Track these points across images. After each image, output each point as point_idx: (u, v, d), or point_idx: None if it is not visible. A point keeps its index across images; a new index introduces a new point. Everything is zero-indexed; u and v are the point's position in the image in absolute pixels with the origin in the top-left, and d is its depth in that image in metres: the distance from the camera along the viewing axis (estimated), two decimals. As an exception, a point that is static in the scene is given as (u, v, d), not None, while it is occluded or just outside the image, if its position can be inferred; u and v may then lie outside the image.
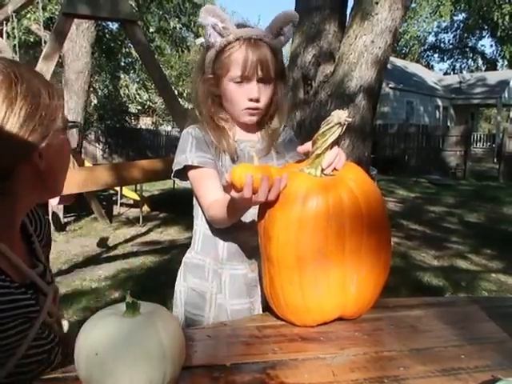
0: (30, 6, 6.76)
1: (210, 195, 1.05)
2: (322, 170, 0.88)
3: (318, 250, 0.81)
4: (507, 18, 21.88)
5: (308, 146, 0.91)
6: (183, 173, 1.11)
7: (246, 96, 1.06)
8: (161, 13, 12.37)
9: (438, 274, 4.00)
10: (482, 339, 0.86)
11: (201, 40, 1.19)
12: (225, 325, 0.93)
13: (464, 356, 0.78)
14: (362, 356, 0.77)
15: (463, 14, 25.42)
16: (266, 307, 1.01)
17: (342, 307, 0.88)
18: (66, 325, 0.86)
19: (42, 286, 0.80)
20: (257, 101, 1.07)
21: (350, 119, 0.84)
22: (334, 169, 0.90)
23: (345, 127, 0.85)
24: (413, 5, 21.36)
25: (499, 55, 26.39)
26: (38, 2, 4.64)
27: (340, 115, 0.83)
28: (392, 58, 18.99)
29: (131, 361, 0.55)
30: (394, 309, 1.01)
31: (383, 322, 0.93)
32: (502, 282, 3.87)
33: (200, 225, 1.15)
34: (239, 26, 1.07)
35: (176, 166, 1.10)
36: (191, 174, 1.10)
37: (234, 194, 0.84)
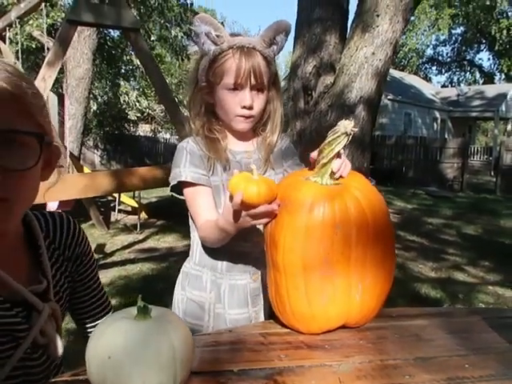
0: (33, 13, 6.81)
1: (203, 215, 1.07)
2: (332, 173, 0.89)
3: (324, 257, 0.82)
4: (505, 32, 22.21)
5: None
6: (179, 187, 1.12)
7: (239, 104, 1.07)
8: (162, 21, 12.47)
9: (436, 286, 4.01)
10: (486, 349, 0.86)
11: (195, 48, 1.20)
12: (230, 331, 0.93)
13: (468, 365, 0.78)
14: (368, 364, 0.78)
15: (461, 28, 25.80)
16: (270, 316, 1.01)
17: (346, 315, 0.88)
18: (60, 347, 0.79)
19: (35, 304, 0.74)
20: (250, 108, 1.08)
21: (356, 129, 0.86)
22: (340, 176, 0.91)
23: (350, 137, 0.86)
24: (412, 18, 21.62)
25: (497, 69, 26.71)
26: (41, 9, 4.67)
27: (346, 125, 0.85)
28: (391, 70, 19.14)
29: (144, 364, 0.55)
30: (398, 318, 1.01)
31: (387, 330, 0.93)
32: (500, 294, 3.88)
33: (197, 236, 1.15)
34: (232, 35, 1.09)
35: (171, 182, 1.12)
36: (185, 190, 1.11)
37: (231, 203, 0.87)
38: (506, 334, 0.93)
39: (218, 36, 1.05)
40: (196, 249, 1.17)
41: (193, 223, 1.15)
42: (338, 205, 0.83)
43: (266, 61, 1.07)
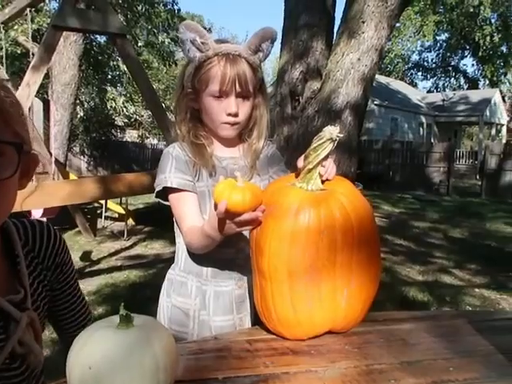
0: (18, 18, 6.75)
1: (188, 221, 1.06)
2: (320, 176, 0.90)
3: (309, 263, 0.82)
4: (488, 38, 22.61)
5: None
6: (164, 193, 1.12)
7: (224, 111, 1.07)
8: (149, 27, 12.46)
9: (423, 289, 4.04)
10: (470, 352, 0.87)
11: (182, 54, 1.21)
12: (215, 338, 0.92)
13: (453, 368, 0.79)
14: (353, 369, 0.77)
15: (446, 34, 26.18)
16: (256, 323, 1.01)
17: (332, 320, 0.88)
18: (40, 356, 0.77)
19: (13, 313, 0.72)
20: (235, 116, 1.08)
21: (342, 135, 0.86)
22: (326, 179, 0.92)
23: (336, 142, 0.86)
24: (397, 24, 21.91)
25: (481, 74, 27.15)
26: (26, 14, 4.63)
27: (332, 131, 0.85)
28: (377, 76, 19.35)
29: (126, 374, 0.54)
30: (384, 322, 1.02)
31: (373, 335, 0.93)
32: (486, 297, 3.92)
33: (182, 243, 1.14)
34: (218, 41, 1.09)
35: (156, 187, 1.11)
36: (170, 196, 1.10)
37: (216, 211, 0.86)
38: (490, 336, 0.94)
39: (203, 43, 1.04)
40: (181, 255, 1.16)
41: (178, 229, 1.14)
42: (324, 210, 0.83)
43: (251, 68, 1.08)
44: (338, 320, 0.89)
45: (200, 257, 1.11)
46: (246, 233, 0.98)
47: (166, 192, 1.11)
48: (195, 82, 1.09)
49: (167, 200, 1.12)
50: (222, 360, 0.81)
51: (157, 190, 1.11)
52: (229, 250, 1.10)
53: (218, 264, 1.12)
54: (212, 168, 1.11)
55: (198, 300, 1.12)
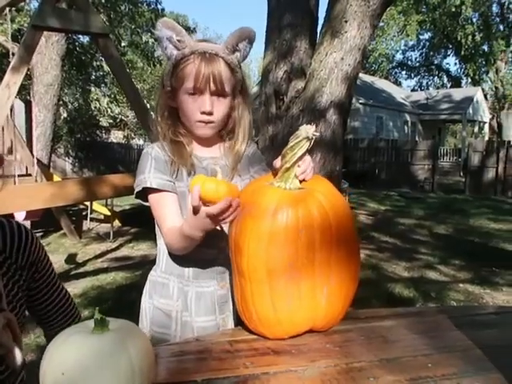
0: (-2, 18, 6.64)
1: (168, 221, 1.06)
2: (296, 177, 0.90)
3: (288, 262, 0.82)
4: (470, 37, 22.92)
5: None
6: (144, 194, 1.11)
7: (198, 109, 1.07)
8: (133, 27, 12.34)
9: (409, 285, 4.08)
10: (449, 348, 0.88)
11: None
12: (197, 340, 0.92)
13: (431, 365, 0.80)
14: (333, 368, 0.78)
15: (429, 34, 26.45)
16: (239, 323, 1.01)
17: (312, 319, 0.88)
18: (19, 357, 0.76)
19: None
20: (209, 114, 1.07)
21: (318, 133, 0.87)
22: (304, 180, 0.92)
23: (313, 141, 0.87)
24: (381, 24, 22.10)
25: (463, 73, 27.50)
26: (5, 14, 4.55)
27: (308, 130, 0.85)
28: (362, 75, 19.51)
29: (99, 379, 0.53)
30: (366, 320, 1.02)
31: (354, 333, 0.94)
32: (470, 291, 3.98)
33: (163, 244, 1.14)
34: (201, 41, 1.08)
35: (136, 188, 1.10)
36: (150, 197, 1.10)
37: (192, 203, 0.87)
38: (470, 331, 0.95)
39: (179, 41, 1.04)
40: (162, 256, 1.15)
41: (159, 230, 1.13)
42: (302, 209, 0.84)
43: (229, 68, 1.07)
44: (319, 318, 0.89)
45: (181, 258, 1.10)
46: (227, 232, 0.97)
47: (145, 192, 1.10)
48: (172, 80, 1.08)
49: (147, 200, 1.11)
50: (203, 362, 0.80)
51: (136, 190, 1.10)
52: (210, 250, 1.10)
53: (200, 264, 1.11)
54: (191, 167, 1.11)
55: (180, 301, 1.11)
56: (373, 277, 4.34)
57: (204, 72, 1.03)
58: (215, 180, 0.86)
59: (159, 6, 12.54)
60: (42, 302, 0.92)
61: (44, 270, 0.91)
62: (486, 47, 24.17)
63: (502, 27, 23.39)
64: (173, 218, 1.05)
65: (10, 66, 3.36)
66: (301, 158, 0.88)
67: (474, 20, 23.36)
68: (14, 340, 0.76)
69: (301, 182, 0.92)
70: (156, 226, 1.14)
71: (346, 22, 3.01)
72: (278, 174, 0.91)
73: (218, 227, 1.06)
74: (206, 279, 1.12)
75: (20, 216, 4.71)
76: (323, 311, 0.88)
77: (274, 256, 0.82)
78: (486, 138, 21.12)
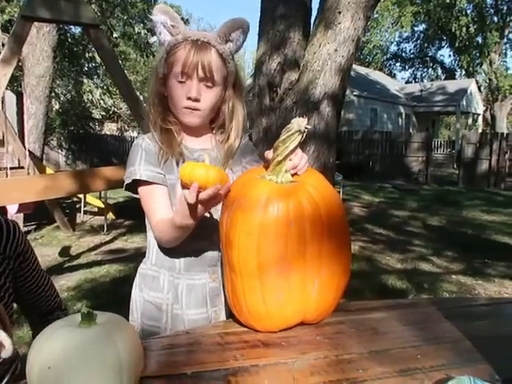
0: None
1: (157, 214, 1.05)
2: (286, 172, 0.90)
3: (278, 255, 0.82)
4: (464, 29, 22.89)
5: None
6: (133, 186, 1.10)
7: (185, 94, 1.06)
8: (125, 18, 12.20)
9: (402, 277, 4.11)
10: (439, 339, 0.88)
11: (154, 39, 1.21)
12: (187, 333, 0.92)
13: (420, 356, 0.80)
14: (323, 360, 0.78)
15: (423, 25, 26.38)
16: (231, 316, 1.01)
17: (303, 312, 0.88)
18: (8, 347, 0.77)
19: None
20: (195, 100, 1.06)
21: (310, 126, 0.86)
22: (296, 174, 0.91)
23: (305, 134, 0.86)
24: (375, 15, 22.04)
25: (457, 65, 27.49)
26: (-5, 4, 4.48)
27: (300, 123, 0.85)
28: (356, 67, 19.49)
29: (86, 373, 0.53)
30: (356, 312, 1.02)
31: (345, 325, 0.94)
32: (462, 283, 4.02)
33: (153, 237, 1.13)
34: (196, 30, 1.08)
35: (126, 180, 1.10)
36: (140, 189, 1.09)
37: (183, 190, 0.88)
38: (459, 323, 0.96)
39: (173, 26, 1.04)
40: (152, 249, 1.15)
41: (148, 223, 1.13)
42: (292, 202, 0.83)
43: (220, 57, 1.06)
44: (310, 311, 0.89)
45: (172, 250, 1.10)
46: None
47: (135, 184, 1.09)
48: (164, 65, 1.08)
49: (137, 192, 1.10)
50: (193, 354, 0.80)
51: (126, 182, 1.09)
52: (202, 242, 1.10)
53: (191, 257, 1.11)
54: (180, 156, 1.10)
55: (171, 294, 1.11)
56: (366, 268, 4.37)
57: (193, 58, 1.02)
58: (205, 165, 0.86)
59: (152, -3, 12.42)
60: (28, 287, 0.98)
61: (30, 259, 0.97)
62: (480, 39, 24.16)
63: (496, 19, 23.35)
64: (162, 210, 1.05)
65: (0, 58, 3.31)
66: (293, 151, 0.87)
67: (469, 11, 23.31)
68: (3, 329, 0.77)
69: (293, 175, 0.91)
70: (146, 219, 1.14)
71: (339, 13, 2.99)
72: (269, 168, 0.90)
73: (210, 218, 1.07)
74: (198, 272, 1.12)
75: (12, 209, 4.68)
76: (314, 304, 0.88)
77: (264, 249, 0.82)
78: (480, 130, 21.22)
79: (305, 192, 0.86)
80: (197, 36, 1.04)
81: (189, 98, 1.06)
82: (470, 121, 23.10)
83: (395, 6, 23.57)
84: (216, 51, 1.05)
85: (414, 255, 4.94)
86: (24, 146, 5.19)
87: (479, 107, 23.89)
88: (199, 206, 0.88)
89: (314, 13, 3.30)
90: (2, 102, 4.57)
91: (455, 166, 15.42)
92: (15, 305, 0.96)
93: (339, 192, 8.02)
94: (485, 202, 8.90)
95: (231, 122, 1.15)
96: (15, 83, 9.21)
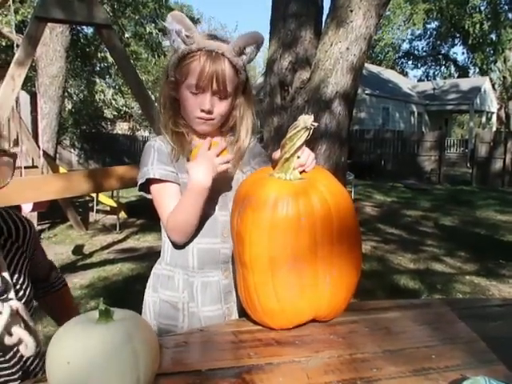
0: (2, 9, 6.64)
1: (168, 210, 1.07)
2: (294, 169, 0.90)
3: (290, 251, 0.83)
4: (477, 26, 22.59)
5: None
6: (147, 186, 1.12)
7: (198, 106, 1.07)
8: (137, 18, 12.28)
9: (414, 277, 4.08)
10: (453, 340, 0.88)
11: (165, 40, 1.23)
12: (201, 330, 0.92)
13: (435, 356, 0.80)
14: (337, 358, 0.78)
15: (436, 23, 26.09)
16: (242, 312, 1.01)
17: (316, 308, 0.89)
18: (30, 345, 0.77)
19: None
20: (209, 112, 1.08)
21: (316, 123, 0.86)
22: (304, 171, 0.92)
23: (311, 131, 0.86)
24: (387, 13, 21.86)
25: (471, 62, 27.16)
26: (9, 5, 4.54)
27: (306, 120, 0.85)
28: (368, 65, 19.35)
29: (104, 369, 0.54)
30: (369, 311, 1.02)
31: (358, 324, 0.94)
32: (476, 283, 3.97)
33: (168, 236, 1.15)
34: (208, 36, 1.08)
35: (139, 180, 1.11)
36: (153, 187, 1.11)
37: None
38: (473, 323, 0.95)
39: (188, 36, 1.04)
40: (167, 249, 1.16)
41: (161, 221, 1.14)
42: (302, 199, 0.84)
43: (233, 68, 1.07)
44: (322, 307, 0.89)
45: (185, 248, 1.11)
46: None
47: (148, 184, 1.11)
48: (177, 72, 1.09)
49: (150, 193, 1.12)
50: (207, 352, 0.81)
51: (140, 182, 1.11)
52: (214, 239, 1.11)
53: (204, 255, 1.12)
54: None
55: (186, 293, 1.12)
56: (378, 268, 4.35)
57: (208, 70, 1.03)
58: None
59: (163, -4, 12.48)
60: (36, 266, 1.03)
61: (39, 248, 1.04)
62: (494, 36, 23.81)
63: (510, 15, 23.00)
64: (174, 207, 1.06)
65: (15, 58, 3.36)
66: (300, 148, 0.88)
67: (482, 8, 22.98)
68: (24, 328, 0.77)
69: (301, 172, 0.92)
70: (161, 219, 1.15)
71: (351, 11, 2.97)
72: (277, 165, 0.91)
73: (221, 215, 1.10)
74: (211, 269, 1.13)
75: (27, 207, 4.75)
76: (326, 301, 0.88)
77: (275, 245, 0.82)
78: (494, 129, 20.95)
79: (315, 190, 0.86)
80: (211, 47, 1.05)
81: (202, 110, 1.07)
82: (483, 119, 22.82)
83: (407, 3, 23.34)
84: (230, 63, 1.06)
85: (426, 255, 4.90)
86: (38, 146, 5.26)
87: (493, 105, 23.58)
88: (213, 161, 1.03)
89: (326, 11, 3.28)
90: (17, 102, 4.64)
91: (468, 166, 15.24)
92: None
93: (351, 191, 7.99)
94: (498, 202, 8.78)
95: (241, 126, 1.16)
96: (29, 83, 9.34)
